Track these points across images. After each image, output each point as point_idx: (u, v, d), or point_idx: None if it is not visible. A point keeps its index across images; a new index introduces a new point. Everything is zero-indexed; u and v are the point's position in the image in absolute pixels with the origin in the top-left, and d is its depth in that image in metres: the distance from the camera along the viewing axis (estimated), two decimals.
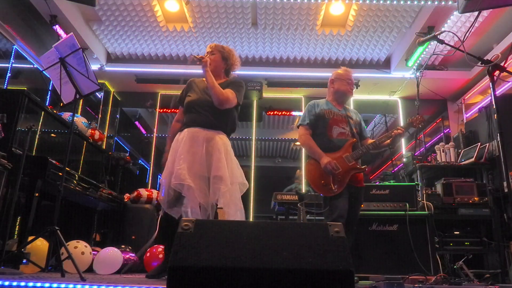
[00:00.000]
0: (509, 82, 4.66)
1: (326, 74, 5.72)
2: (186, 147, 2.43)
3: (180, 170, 2.34)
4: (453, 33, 2.87)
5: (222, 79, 2.68)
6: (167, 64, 5.84)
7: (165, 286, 1.20)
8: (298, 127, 2.99)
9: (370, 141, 2.94)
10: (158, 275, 2.38)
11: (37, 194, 2.82)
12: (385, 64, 5.89)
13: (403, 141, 6.36)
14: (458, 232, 4.10)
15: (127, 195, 4.68)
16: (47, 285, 1.56)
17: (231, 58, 2.75)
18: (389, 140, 2.87)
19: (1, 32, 4.47)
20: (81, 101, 5.47)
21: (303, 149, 6.43)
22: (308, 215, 3.84)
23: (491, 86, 2.35)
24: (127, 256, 3.55)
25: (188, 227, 1.33)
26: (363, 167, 2.80)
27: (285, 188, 6.06)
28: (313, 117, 2.91)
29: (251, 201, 5.92)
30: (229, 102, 2.51)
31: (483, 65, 2.36)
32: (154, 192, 4.71)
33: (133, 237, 4.35)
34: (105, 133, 5.94)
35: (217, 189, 2.33)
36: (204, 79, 2.64)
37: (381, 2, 4.56)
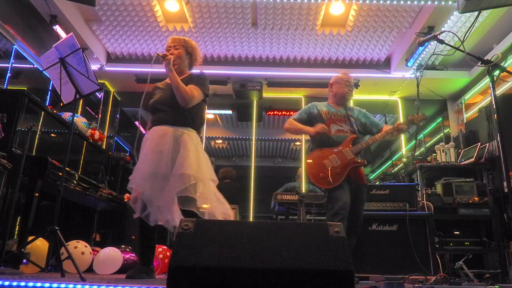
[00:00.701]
0: (509, 82, 4.66)
1: (326, 74, 5.74)
2: (152, 146, 2.40)
3: (140, 174, 2.33)
4: (453, 33, 2.87)
5: (185, 74, 2.63)
6: None
7: (165, 286, 1.20)
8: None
9: (386, 127, 2.96)
10: (138, 275, 2.37)
11: (37, 194, 2.82)
12: (385, 64, 5.89)
13: (403, 141, 6.36)
14: (458, 232, 4.10)
15: (127, 195, 4.68)
16: (47, 285, 1.56)
17: (195, 53, 2.70)
18: (394, 133, 2.91)
19: (1, 32, 4.47)
20: (81, 101, 5.46)
21: (303, 149, 6.44)
22: (308, 215, 3.84)
23: (491, 86, 2.35)
24: (127, 256, 3.55)
25: (188, 227, 1.33)
26: (362, 161, 2.82)
27: (288, 184, 5.94)
28: (306, 115, 3.02)
29: (251, 201, 5.92)
30: (194, 99, 2.47)
31: (483, 65, 2.36)
32: None
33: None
34: (105, 133, 5.94)
35: (176, 187, 2.28)
36: (167, 80, 2.63)
37: (381, 2, 4.56)
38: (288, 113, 6.95)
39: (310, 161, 2.87)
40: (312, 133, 2.83)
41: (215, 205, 2.38)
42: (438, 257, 3.36)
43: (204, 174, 2.40)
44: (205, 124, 6.72)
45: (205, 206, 2.35)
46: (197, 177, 2.34)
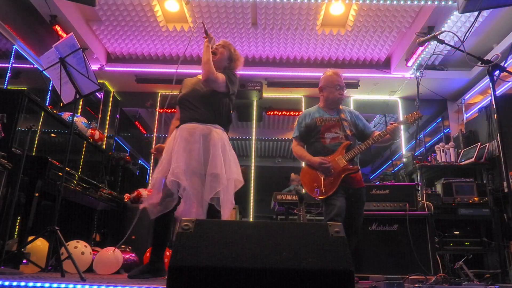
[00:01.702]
0: (509, 82, 4.66)
1: None
2: (182, 145, 2.39)
3: (177, 169, 2.30)
4: (453, 33, 2.87)
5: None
6: (167, 64, 5.84)
7: (165, 286, 1.20)
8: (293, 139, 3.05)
9: (376, 133, 2.90)
10: (140, 275, 2.35)
11: (37, 194, 2.82)
12: (385, 64, 5.89)
13: (403, 141, 6.36)
14: (458, 232, 4.10)
15: (127, 195, 4.68)
16: (47, 285, 1.56)
17: (235, 62, 2.74)
18: (387, 136, 2.83)
19: (1, 32, 4.47)
20: (81, 101, 5.47)
21: None
22: (308, 215, 3.84)
23: (491, 86, 2.35)
24: (127, 256, 3.55)
25: (188, 227, 1.33)
26: (354, 167, 2.76)
27: (282, 190, 6.03)
28: (303, 129, 2.94)
29: (251, 201, 5.91)
30: (216, 82, 2.49)
31: (483, 65, 2.36)
32: None
33: (133, 237, 4.35)
34: (105, 133, 5.94)
35: (213, 187, 2.29)
36: (198, 76, 2.66)
37: (381, 2, 4.56)
38: (288, 113, 6.96)
39: (305, 171, 2.86)
40: (315, 165, 2.76)
41: (230, 207, 2.40)
42: (438, 257, 3.36)
43: (229, 174, 2.39)
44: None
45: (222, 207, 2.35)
46: (228, 177, 2.36)
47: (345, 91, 3.03)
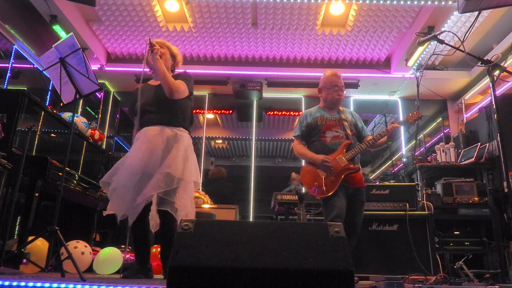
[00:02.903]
0: (509, 82, 4.67)
1: None
2: (143, 146, 2.38)
3: (127, 171, 2.33)
4: (453, 33, 2.87)
5: (170, 74, 2.64)
6: None
7: (165, 286, 1.20)
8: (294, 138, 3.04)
9: (370, 137, 2.91)
10: (134, 275, 2.36)
11: (37, 194, 2.82)
12: (385, 64, 5.89)
13: (403, 141, 6.36)
14: (458, 232, 4.10)
15: None
16: (47, 285, 1.56)
17: (177, 57, 2.75)
18: (385, 137, 2.84)
19: (1, 32, 4.47)
20: (81, 101, 5.47)
21: None
22: (308, 215, 3.83)
23: (491, 86, 2.35)
24: (127, 256, 3.55)
25: (188, 227, 1.33)
26: (355, 166, 2.75)
27: (283, 190, 6.02)
28: (304, 128, 2.94)
29: (251, 201, 5.92)
30: (180, 92, 2.48)
31: (483, 65, 2.36)
32: None
33: None
34: (105, 133, 5.94)
35: (160, 187, 2.26)
36: (150, 82, 2.69)
37: (381, 2, 4.56)
38: (288, 113, 6.96)
39: (305, 170, 2.85)
40: (318, 163, 2.76)
41: (190, 210, 2.39)
42: (438, 257, 3.36)
43: (188, 177, 2.38)
44: (205, 124, 6.77)
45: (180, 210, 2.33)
46: (180, 180, 2.32)
47: (345, 92, 3.02)
